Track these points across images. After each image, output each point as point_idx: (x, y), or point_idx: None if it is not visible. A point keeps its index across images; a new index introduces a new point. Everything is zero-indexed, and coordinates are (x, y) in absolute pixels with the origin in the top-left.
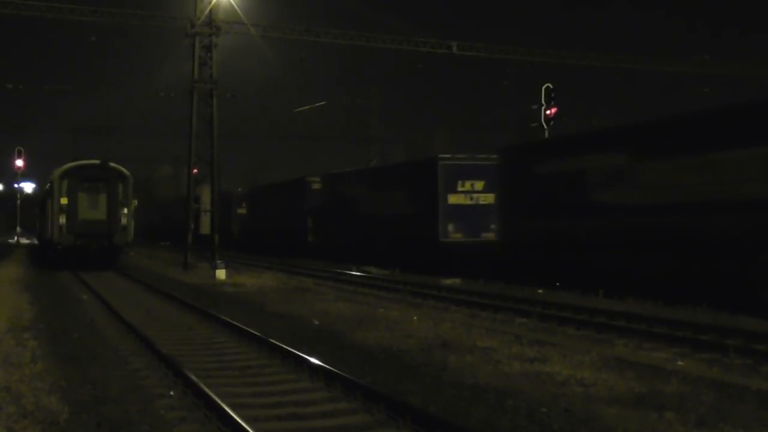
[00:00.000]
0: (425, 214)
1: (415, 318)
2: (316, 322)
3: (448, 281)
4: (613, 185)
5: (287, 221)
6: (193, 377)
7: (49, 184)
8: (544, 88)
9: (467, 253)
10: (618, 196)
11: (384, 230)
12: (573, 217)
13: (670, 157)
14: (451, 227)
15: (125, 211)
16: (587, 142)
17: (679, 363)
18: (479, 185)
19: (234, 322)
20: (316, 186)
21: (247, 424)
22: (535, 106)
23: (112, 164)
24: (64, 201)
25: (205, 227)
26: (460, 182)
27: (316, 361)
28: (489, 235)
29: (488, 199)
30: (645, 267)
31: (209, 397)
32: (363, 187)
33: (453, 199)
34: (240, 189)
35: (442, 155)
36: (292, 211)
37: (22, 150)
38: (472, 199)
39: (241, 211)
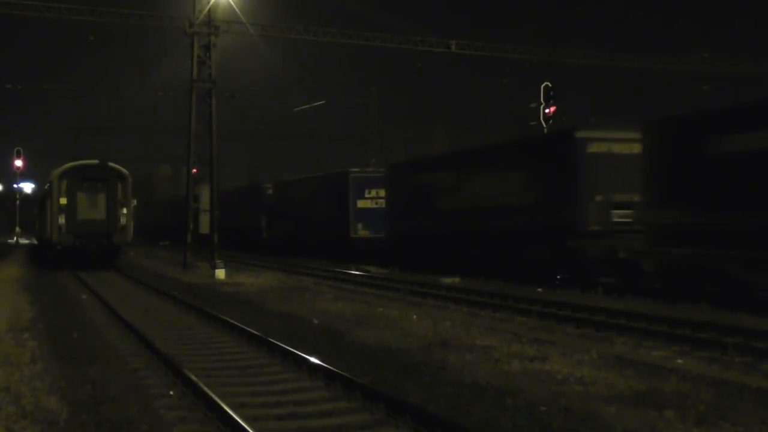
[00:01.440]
0: (340, 215)
1: (415, 317)
2: (316, 322)
3: (447, 280)
4: (448, 195)
5: (247, 221)
6: (193, 377)
7: (48, 184)
8: (542, 86)
9: (372, 246)
10: (451, 204)
11: (314, 228)
12: (427, 219)
13: (476, 175)
14: (360, 226)
15: (124, 210)
16: (435, 162)
17: (679, 361)
18: (382, 193)
19: (233, 322)
20: (269, 191)
21: (247, 423)
22: (533, 105)
23: (111, 164)
24: (63, 201)
25: (204, 227)
26: (367, 190)
27: (316, 360)
28: None
29: None
30: (470, 254)
31: (209, 396)
32: (299, 192)
33: (361, 203)
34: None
35: (352, 169)
36: (251, 212)
37: (21, 150)
38: (376, 203)
39: None
